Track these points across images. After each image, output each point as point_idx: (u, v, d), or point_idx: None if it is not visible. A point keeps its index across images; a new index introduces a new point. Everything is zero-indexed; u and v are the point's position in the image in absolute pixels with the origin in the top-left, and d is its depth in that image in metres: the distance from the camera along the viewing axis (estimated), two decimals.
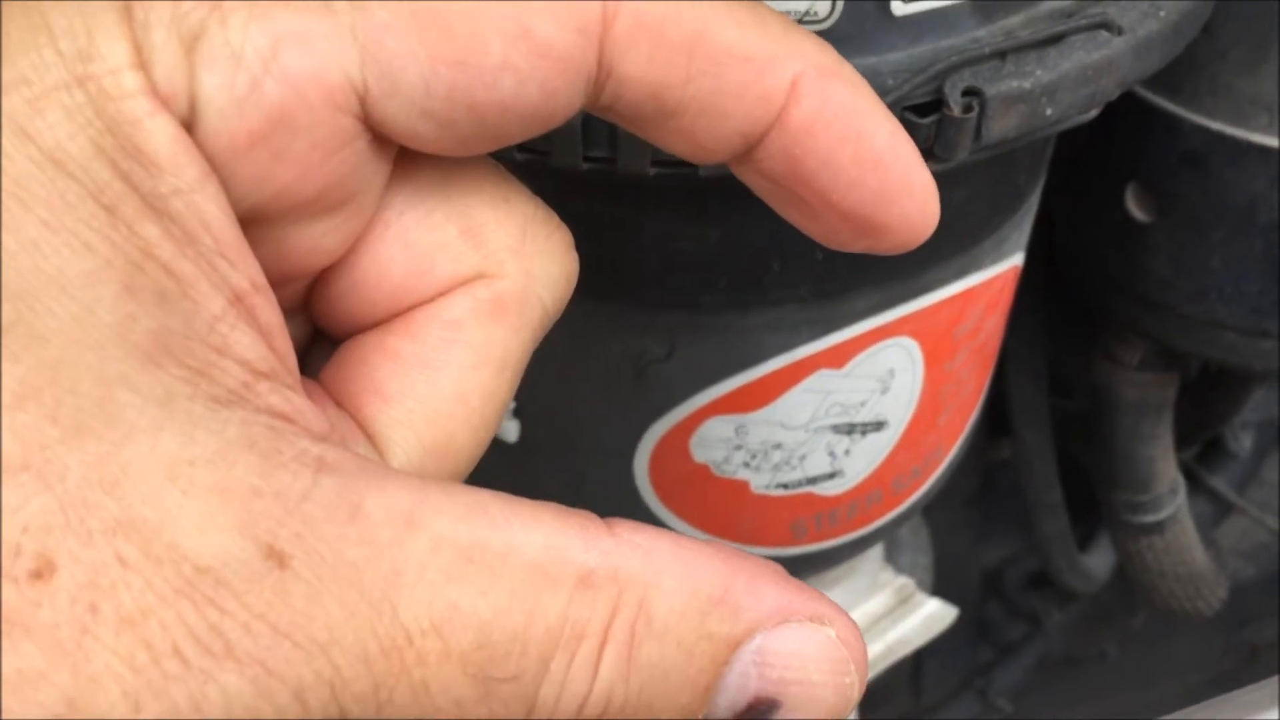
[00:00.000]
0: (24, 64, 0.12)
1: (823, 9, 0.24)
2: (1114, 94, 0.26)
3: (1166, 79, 0.36)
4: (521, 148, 0.24)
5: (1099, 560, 0.58)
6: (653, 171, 0.24)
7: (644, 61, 0.14)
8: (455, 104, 0.14)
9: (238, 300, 0.13)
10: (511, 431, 0.32)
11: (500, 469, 0.34)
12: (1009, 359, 0.49)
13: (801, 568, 0.36)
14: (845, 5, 0.23)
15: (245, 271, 0.13)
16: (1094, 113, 0.26)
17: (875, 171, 0.15)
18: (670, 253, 0.27)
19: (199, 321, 0.13)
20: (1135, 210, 0.38)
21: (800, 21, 0.24)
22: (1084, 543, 0.60)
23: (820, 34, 0.24)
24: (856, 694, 0.14)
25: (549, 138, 0.24)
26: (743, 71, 0.14)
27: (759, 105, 0.14)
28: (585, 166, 0.24)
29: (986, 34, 0.25)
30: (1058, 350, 0.51)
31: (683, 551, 0.14)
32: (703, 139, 0.15)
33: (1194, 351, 0.41)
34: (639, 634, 0.13)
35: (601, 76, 0.14)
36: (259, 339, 0.13)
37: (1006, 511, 0.63)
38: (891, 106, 0.24)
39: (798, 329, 0.29)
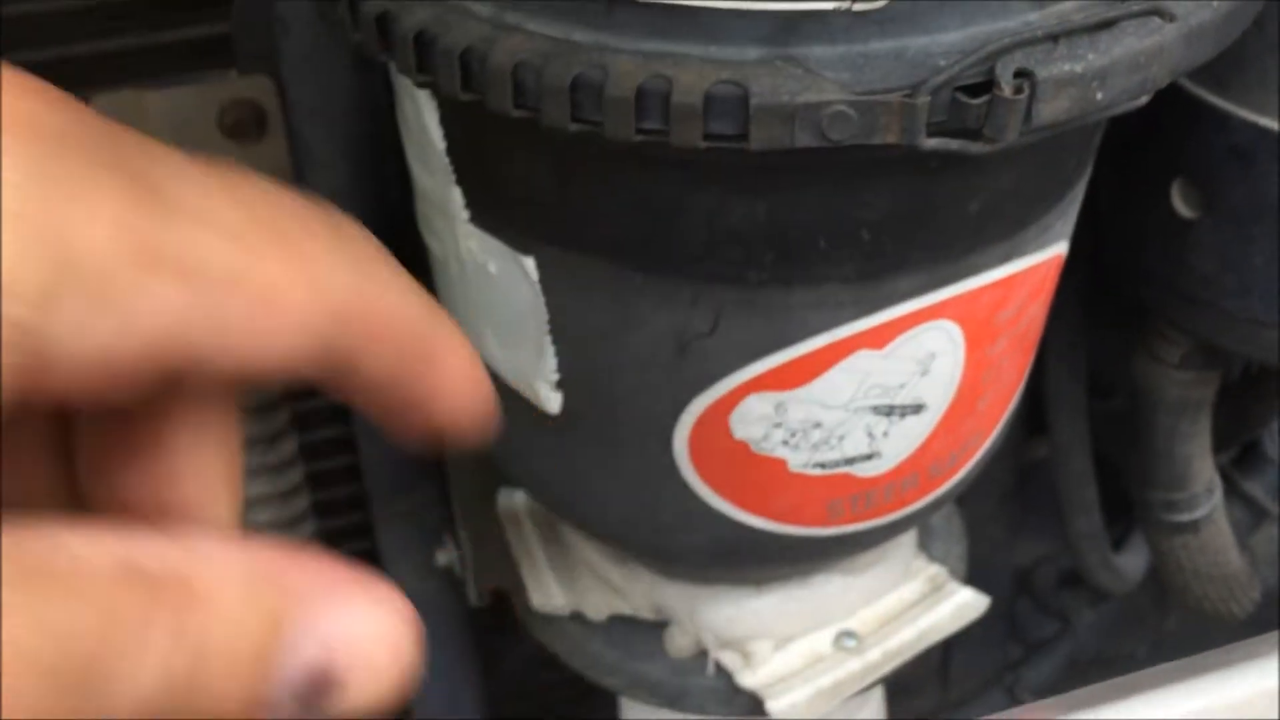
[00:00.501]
0: None
1: None
2: (1164, 81, 0.26)
3: (1216, 73, 0.36)
4: (575, 118, 0.25)
5: (1132, 561, 0.58)
6: (704, 145, 0.24)
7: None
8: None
9: None
10: (554, 402, 0.32)
11: (541, 440, 0.35)
12: (1049, 353, 0.49)
13: (836, 549, 0.36)
14: None
15: None
16: (1144, 100, 0.26)
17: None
18: (718, 227, 0.27)
19: None
20: (1181, 206, 0.38)
21: (854, 2, 0.24)
22: (1118, 544, 0.59)
23: (874, 14, 0.24)
24: (413, 673, 0.15)
25: (601, 109, 0.25)
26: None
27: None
28: (638, 139, 0.25)
29: (1039, 17, 0.25)
30: (1098, 347, 0.51)
31: (232, 543, 0.14)
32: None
33: (1235, 349, 0.41)
34: (184, 614, 0.13)
35: None
36: None
37: (1041, 511, 0.63)
38: (942, 87, 0.24)
39: (841, 308, 0.29)
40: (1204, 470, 0.48)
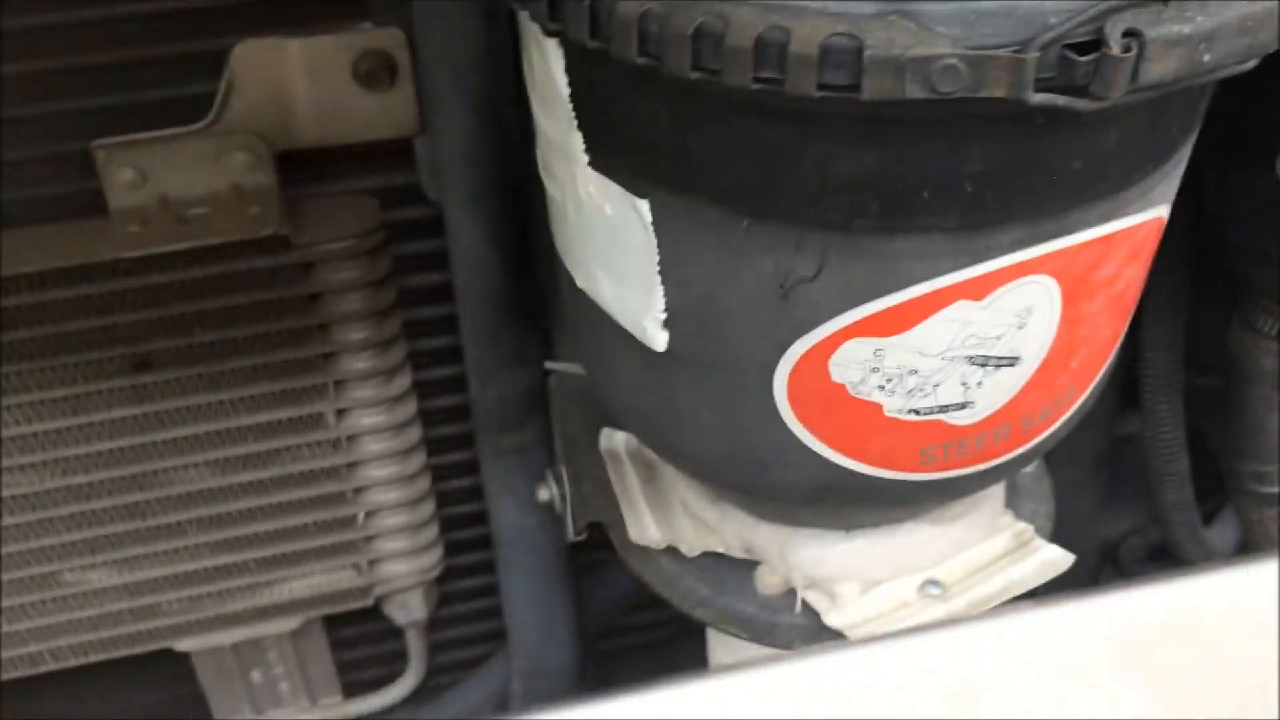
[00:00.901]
0: None
1: None
2: (1272, 46, 0.27)
3: None
4: (695, 66, 0.26)
5: (1222, 535, 0.58)
6: (818, 95, 0.26)
7: None
8: None
9: None
10: (660, 340, 0.34)
11: (646, 377, 0.36)
12: (1146, 322, 0.50)
13: (926, 495, 0.37)
14: None
15: None
16: (1252, 63, 0.27)
17: None
18: (827, 175, 0.29)
19: None
20: None
21: None
22: (1208, 518, 0.60)
23: None
24: None
25: (721, 58, 0.26)
26: None
27: None
28: (754, 87, 0.26)
29: None
30: (1195, 322, 0.52)
31: None
32: None
33: None
34: None
35: None
36: None
37: (1130, 485, 0.63)
38: (1052, 43, 0.25)
39: (942, 258, 0.30)
40: None
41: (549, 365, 0.50)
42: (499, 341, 0.51)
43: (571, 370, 0.49)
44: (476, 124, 0.45)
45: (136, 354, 0.50)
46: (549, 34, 0.30)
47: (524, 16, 0.32)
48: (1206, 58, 0.25)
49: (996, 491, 0.43)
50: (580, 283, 0.36)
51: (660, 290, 0.33)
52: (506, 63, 0.45)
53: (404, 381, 0.54)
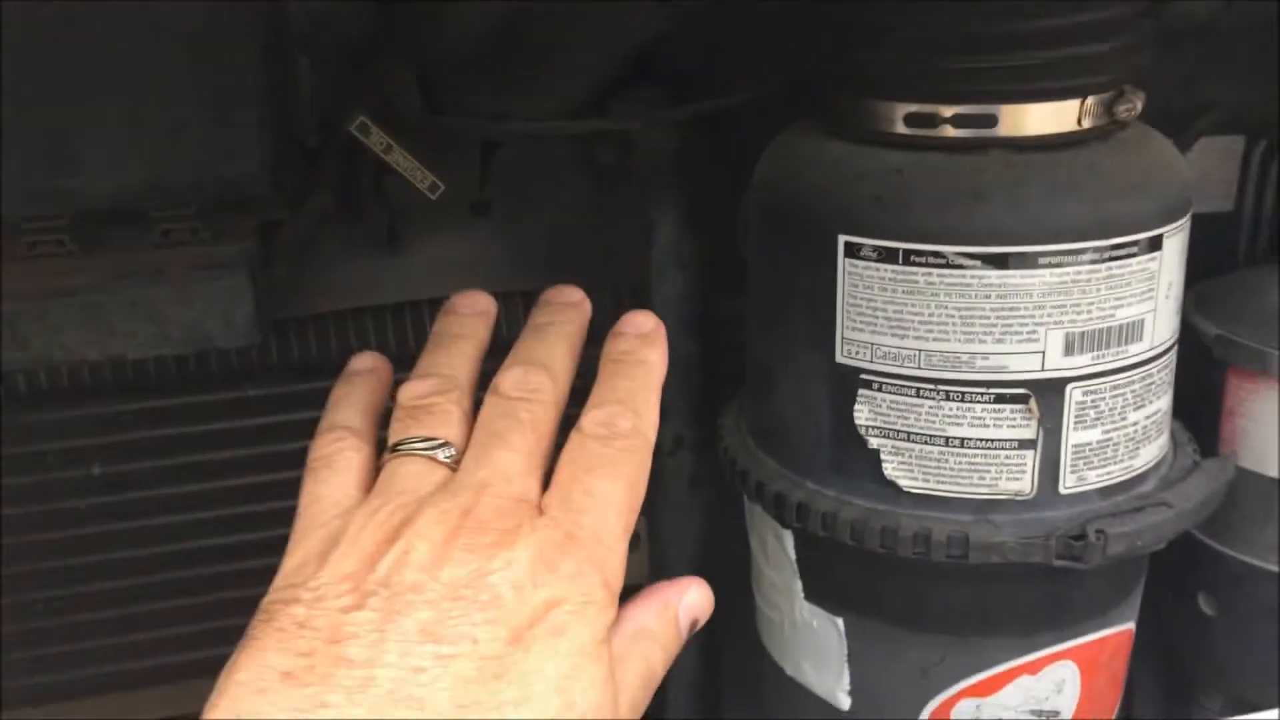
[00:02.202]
0: None
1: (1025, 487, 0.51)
2: (1170, 537, 0.52)
3: (1212, 528, 0.62)
4: (883, 545, 0.51)
5: None
6: (945, 560, 0.51)
7: None
8: None
9: None
10: (845, 704, 0.57)
11: None
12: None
13: None
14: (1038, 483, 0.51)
15: None
16: (1160, 546, 0.52)
17: None
18: (949, 606, 0.53)
19: None
20: (1205, 607, 0.63)
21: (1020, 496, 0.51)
22: None
23: (1026, 504, 0.51)
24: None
25: (898, 543, 0.51)
26: None
27: None
28: (913, 555, 0.51)
29: (1109, 504, 0.51)
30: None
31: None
32: None
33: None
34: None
35: None
36: None
37: None
38: (1061, 536, 0.50)
39: (1012, 651, 0.54)
40: None
41: None
42: None
43: None
44: None
45: None
46: (786, 526, 0.56)
47: (756, 510, 0.57)
48: (1139, 543, 0.51)
49: None
50: (789, 671, 0.60)
51: (847, 673, 0.56)
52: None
53: None
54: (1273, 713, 0.41)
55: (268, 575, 0.67)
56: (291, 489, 0.67)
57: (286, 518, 0.67)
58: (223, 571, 0.68)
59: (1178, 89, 0.76)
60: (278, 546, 0.67)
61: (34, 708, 0.66)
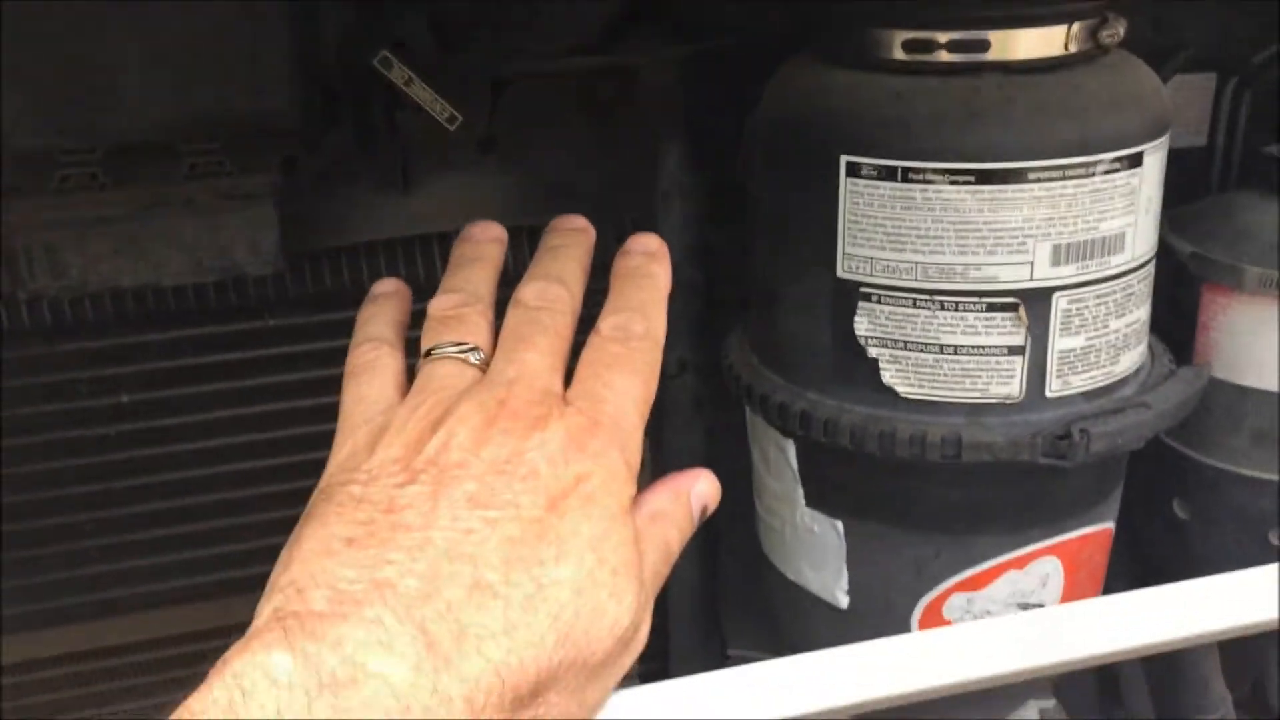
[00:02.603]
0: None
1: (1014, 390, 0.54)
2: (1150, 436, 0.56)
3: (1182, 433, 0.66)
4: (881, 450, 0.55)
5: None
6: (939, 459, 0.54)
7: None
8: None
9: None
10: (844, 602, 0.61)
11: (831, 630, 0.62)
12: None
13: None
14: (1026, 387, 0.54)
15: None
16: (1140, 444, 0.56)
17: None
18: (943, 506, 0.57)
19: None
20: (1179, 511, 0.67)
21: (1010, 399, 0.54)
22: None
23: (1015, 408, 0.55)
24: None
25: (897, 445, 0.55)
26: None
27: None
28: (909, 455, 0.55)
29: (1091, 406, 0.55)
30: None
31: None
32: None
33: None
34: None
35: None
36: None
37: None
38: (1047, 435, 0.54)
39: (1001, 547, 0.58)
40: None
41: (731, 652, 0.75)
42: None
43: (752, 657, 0.74)
44: None
45: None
46: (788, 435, 0.59)
47: (757, 420, 0.61)
48: (1120, 441, 0.55)
49: None
50: (790, 575, 0.63)
51: (846, 574, 0.60)
52: None
53: None
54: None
55: (290, 499, 0.71)
56: (310, 415, 0.70)
57: (306, 443, 0.70)
58: (250, 495, 0.71)
59: (1151, 29, 0.79)
60: (299, 470, 0.70)
61: (74, 625, 0.69)
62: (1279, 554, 0.66)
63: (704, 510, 0.45)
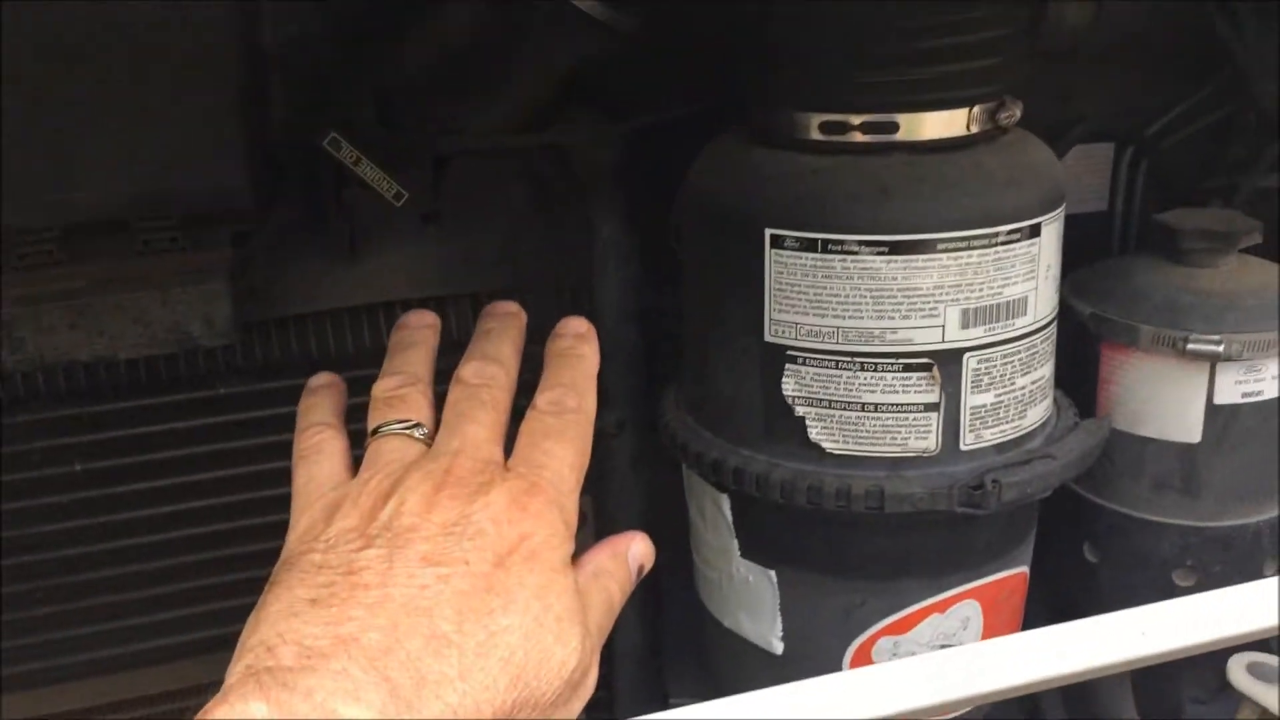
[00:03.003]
0: None
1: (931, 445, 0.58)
2: (1055, 486, 0.60)
3: (1088, 481, 0.71)
4: (809, 502, 0.59)
5: None
6: (864, 511, 0.58)
7: None
8: None
9: None
10: (779, 649, 0.64)
11: (766, 674, 0.65)
12: None
13: None
14: (942, 441, 0.58)
15: None
16: (1047, 493, 0.60)
17: None
18: (867, 554, 0.60)
19: None
20: (1089, 554, 0.71)
21: (929, 453, 0.58)
22: None
23: (930, 460, 0.58)
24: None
25: (825, 498, 0.58)
26: None
27: None
28: (836, 508, 0.58)
29: (1002, 459, 0.59)
30: None
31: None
32: None
33: None
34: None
35: None
36: None
37: None
38: (964, 486, 0.58)
39: (925, 592, 0.61)
40: None
41: (672, 701, 0.78)
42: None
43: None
44: None
45: None
46: (723, 490, 0.63)
47: (694, 476, 0.64)
48: (1029, 490, 0.59)
49: None
50: (728, 624, 0.67)
51: (780, 621, 0.63)
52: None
53: None
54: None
55: (244, 561, 0.72)
56: (262, 479, 0.72)
57: (258, 507, 0.72)
58: (205, 559, 0.73)
59: (1054, 103, 0.85)
60: (251, 534, 0.72)
61: (29, 691, 0.70)
62: (1183, 594, 0.70)
63: (640, 569, 0.49)
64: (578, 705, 0.43)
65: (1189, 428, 0.65)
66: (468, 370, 0.50)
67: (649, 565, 0.50)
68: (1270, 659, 0.60)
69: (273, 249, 0.70)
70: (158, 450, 0.71)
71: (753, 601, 0.64)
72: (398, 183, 0.67)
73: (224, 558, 0.73)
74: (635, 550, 0.49)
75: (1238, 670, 0.61)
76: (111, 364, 0.67)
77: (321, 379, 0.55)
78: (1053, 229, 0.58)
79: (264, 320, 0.72)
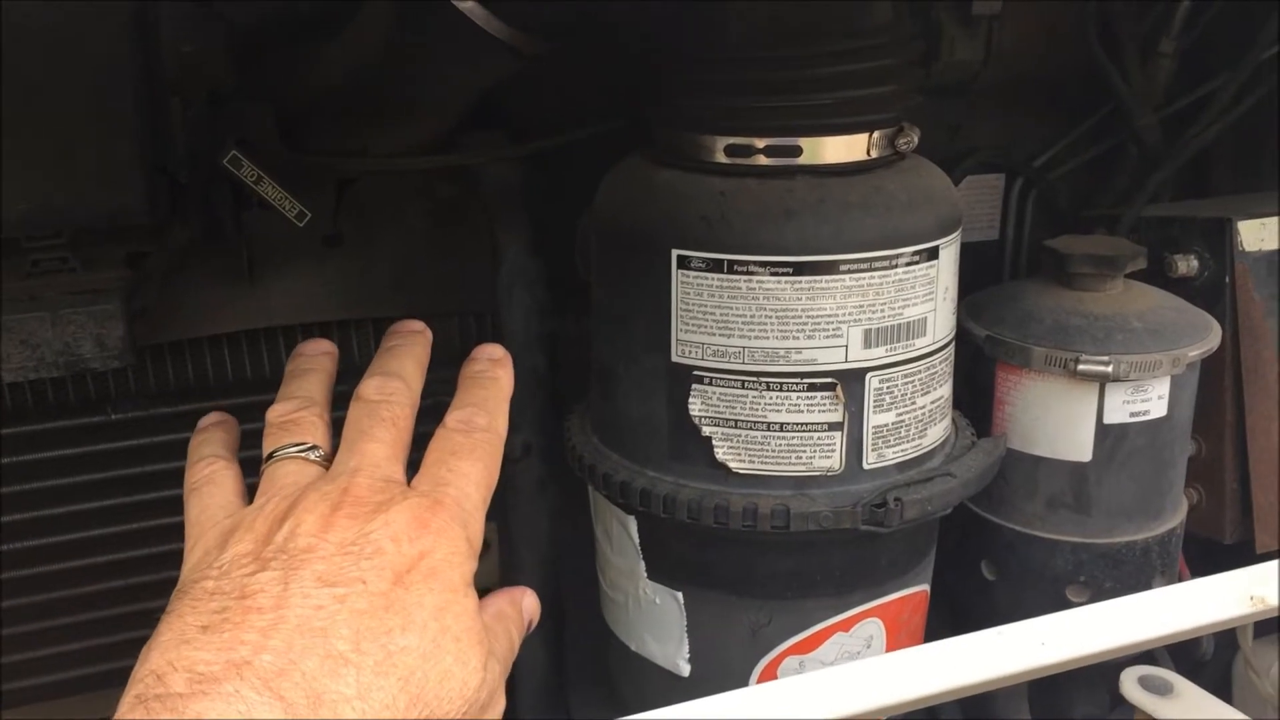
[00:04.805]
0: None
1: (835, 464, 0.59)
2: (955, 503, 0.61)
3: (986, 500, 0.72)
4: (716, 522, 0.59)
5: None
6: (770, 530, 0.59)
7: None
8: None
9: None
10: (685, 670, 0.64)
11: (673, 695, 0.65)
12: None
13: None
14: (845, 460, 0.59)
15: None
16: (947, 510, 0.62)
17: None
18: (773, 572, 0.61)
19: None
20: (986, 572, 0.73)
21: (834, 471, 0.59)
22: None
23: (836, 479, 0.59)
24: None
25: (730, 517, 0.59)
26: None
27: None
28: (743, 528, 0.59)
29: (904, 476, 0.60)
30: None
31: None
32: None
33: None
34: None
35: None
36: None
37: None
38: (866, 504, 0.58)
39: (829, 611, 0.62)
40: None
41: None
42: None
43: None
44: None
45: None
46: (629, 512, 0.63)
47: (600, 498, 0.64)
48: (929, 508, 0.60)
49: None
50: (634, 647, 0.66)
51: (687, 642, 0.63)
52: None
53: None
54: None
55: (137, 591, 0.70)
56: (157, 508, 0.70)
57: (151, 536, 0.70)
58: (86, 593, 0.70)
59: (946, 135, 0.88)
60: (145, 564, 0.70)
61: None
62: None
63: (530, 623, 0.50)
64: None
65: (1080, 446, 0.67)
66: (368, 387, 0.50)
67: (536, 619, 0.51)
68: (1162, 672, 0.62)
69: (169, 271, 0.68)
70: (44, 479, 0.69)
71: (659, 623, 0.64)
72: (300, 203, 0.66)
73: (113, 589, 0.70)
74: (528, 603, 0.50)
75: (1130, 683, 0.63)
76: None
77: (212, 417, 0.54)
78: (950, 252, 0.59)
79: (158, 344, 0.70)
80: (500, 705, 0.43)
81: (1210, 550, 0.79)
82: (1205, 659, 0.83)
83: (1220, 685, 0.85)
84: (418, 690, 0.38)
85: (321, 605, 0.39)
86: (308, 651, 0.37)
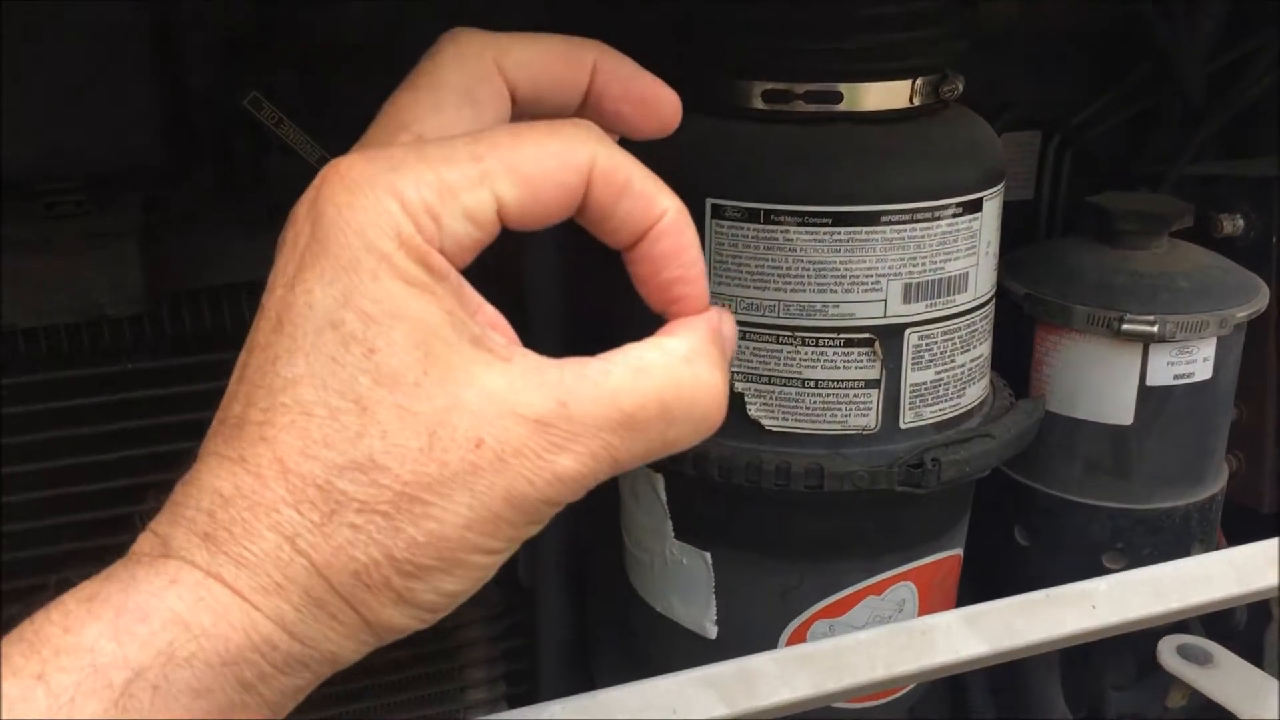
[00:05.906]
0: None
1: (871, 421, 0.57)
2: (993, 465, 0.60)
3: (1023, 465, 0.70)
4: (747, 480, 0.57)
5: None
6: (804, 489, 0.57)
7: (599, 190, 0.32)
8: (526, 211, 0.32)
9: (480, 310, 0.32)
10: (713, 633, 0.62)
11: (700, 659, 0.64)
12: None
13: None
14: (882, 419, 0.57)
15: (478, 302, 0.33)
16: (986, 472, 0.60)
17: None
18: (807, 534, 0.59)
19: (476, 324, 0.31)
20: (1019, 537, 0.71)
21: (869, 430, 0.57)
22: None
23: (872, 437, 0.57)
24: None
25: (762, 476, 0.57)
26: (641, 201, 0.33)
27: (644, 221, 0.34)
28: (776, 487, 0.57)
29: (942, 436, 0.58)
30: None
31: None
32: (617, 234, 0.33)
33: None
34: None
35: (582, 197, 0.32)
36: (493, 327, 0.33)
37: None
38: (903, 464, 0.57)
39: (861, 574, 0.60)
40: None
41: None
42: None
43: None
44: None
45: None
46: (658, 470, 0.61)
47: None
48: (967, 469, 0.58)
49: None
50: (659, 608, 0.65)
51: (714, 604, 0.62)
52: None
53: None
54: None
55: None
56: (170, 461, 0.69)
57: (164, 492, 0.69)
58: (100, 546, 0.69)
59: (982, 90, 0.85)
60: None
61: None
62: None
63: None
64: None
65: (1121, 409, 0.65)
66: None
67: None
68: (1202, 641, 0.61)
69: (187, 216, 0.67)
70: (63, 427, 0.67)
71: (686, 584, 0.63)
72: (322, 148, 0.64)
73: (123, 545, 0.69)
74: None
75: (1168, 653, 0.61)
76: (8, 334, 0.63)
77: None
78: (993, 205, 0.57)
79: (175, 291, 0.68)
80: None
81: (1242, 518, 0.78)
82: (1239, 628, 0.81)
83: (1252, 656, 0.83)
84: None
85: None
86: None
